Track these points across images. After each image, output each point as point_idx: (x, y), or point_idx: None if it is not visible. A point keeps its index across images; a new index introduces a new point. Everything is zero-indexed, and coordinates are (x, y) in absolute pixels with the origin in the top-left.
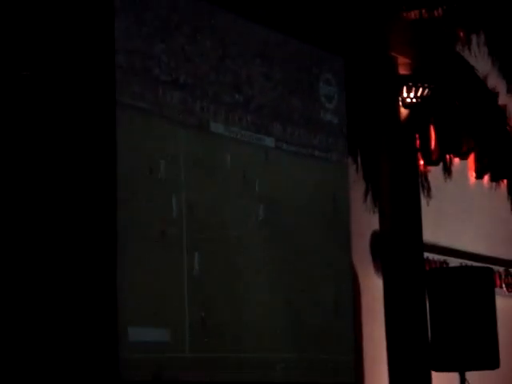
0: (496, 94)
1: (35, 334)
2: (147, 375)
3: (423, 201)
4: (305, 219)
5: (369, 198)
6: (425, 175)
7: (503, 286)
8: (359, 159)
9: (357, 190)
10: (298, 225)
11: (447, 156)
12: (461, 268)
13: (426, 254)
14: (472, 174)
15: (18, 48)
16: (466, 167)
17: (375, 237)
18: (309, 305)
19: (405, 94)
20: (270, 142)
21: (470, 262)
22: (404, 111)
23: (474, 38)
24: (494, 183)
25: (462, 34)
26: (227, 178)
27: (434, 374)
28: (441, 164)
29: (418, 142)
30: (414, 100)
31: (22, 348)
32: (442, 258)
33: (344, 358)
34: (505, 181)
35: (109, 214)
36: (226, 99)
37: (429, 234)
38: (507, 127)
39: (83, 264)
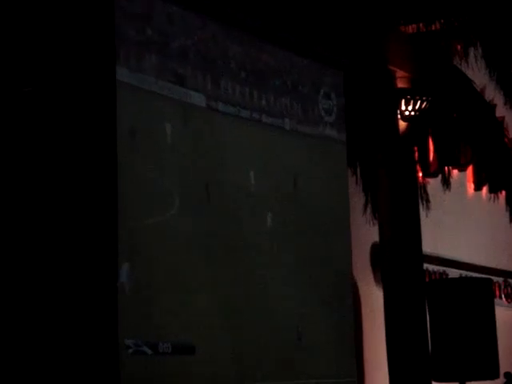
0: (493, 106)
1: (34, 349)
2: None
3: (422, 212)
4: (305, 231)
5: (368, 209)
6: (424, 187)
7: (502, 296)
8: (358, 171)
9: (356, 201)
10: (298, 236)
11: (446, 168)
12: (460, 279)
13: (425, 265)
14: (470, 186)
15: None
16: (464, 179)
17: (375, 248)
18: (309, 317)
19: (403, 107)
20: None
21: (469, 273)
22: (403, 124)
23: (471, 51)
24: (492, 194)
25: (459, 47)
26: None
27: None
28: (439, 176)
29: (416, 154)
30: (413, 113)
31: (23, 358)
32: (441, 268)
33: (345, 367)
34: (503, 192)
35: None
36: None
37: (428, 246)
38: (505, 139)
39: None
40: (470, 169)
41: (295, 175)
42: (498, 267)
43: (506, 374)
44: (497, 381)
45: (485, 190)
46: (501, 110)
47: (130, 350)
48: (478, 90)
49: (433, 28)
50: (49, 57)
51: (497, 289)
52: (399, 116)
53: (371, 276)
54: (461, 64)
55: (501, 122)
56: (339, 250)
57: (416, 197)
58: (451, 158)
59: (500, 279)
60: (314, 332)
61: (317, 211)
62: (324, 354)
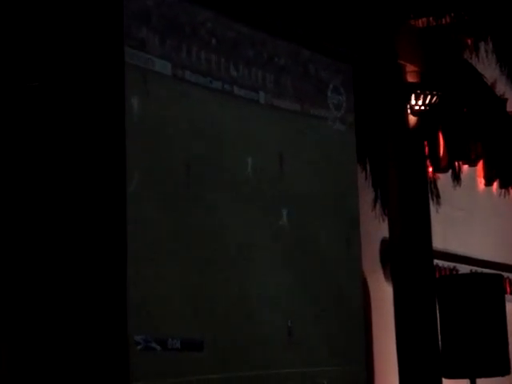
0: (504, 101)
1: (43, 345)
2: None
3: (432, 208)
4: (315, 226)
5: (378, 205)
6: (434, 182)
7: None
8: (368, 167)
9: (366, 197)
10: (308, 231)
11: (456, 163)
12: (471, 275)
13: (435, 261)
14: (481, 181)
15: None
16: (475, 174)
17: (385, 244)
18: (319, 313)
19: (413, 102)
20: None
21: (479, 269)
22: (412, 119)
23: (481, 45)
24: (503, 190)
25: (469, 41)
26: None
27: (445, 381)
28: (450, 171)
29: (426, 149)
30: (423, 107)
31: (32, 355)
32: (451, 264)
33: (355, 366)
34: None
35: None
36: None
37: (438, 241)
38: None
39: (93, 268)
40: (480, 164)
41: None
42: (509, 263)
43: None
44: (507, 377)
45: (495, 185)
46: None
47: (140, 347)
48: (489, 84)
49: (443, 22)
50: (55, 52)
51: (507, 284)
52: (409, 111)
53: (381, 272)
54: (471, 58)
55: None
56: (348, 246)
57: (426, 192)
58: (461, 152)
59: (511, 275)
60: (321, 322)
61: (326, 206)
62: (332, 342)
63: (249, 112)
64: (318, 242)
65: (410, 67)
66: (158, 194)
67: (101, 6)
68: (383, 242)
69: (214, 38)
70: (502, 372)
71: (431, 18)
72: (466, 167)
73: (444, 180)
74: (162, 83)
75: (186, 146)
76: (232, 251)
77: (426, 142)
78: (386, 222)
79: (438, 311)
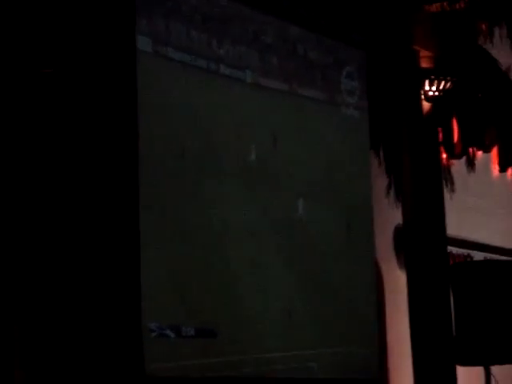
0: None
1: (60, 333)
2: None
3: (446, 194)
4: (329, 212)
5: (391, 192)
6: (448, 169)
7: None
8: (381, 153)
9: (379, 184)
10: (321, 218)
11: (470, 149)
12: (485, 262)
13: (449, 248)
14: (495, 167)
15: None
16: (489, 160)
17: (398, 231)
18: (333, 300)
19: (427, 88)
20: None
21: (494, 256)
22: (426, 105)
23: (496, 30)
24: None
25: (484, 26)
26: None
27: (459, 368)
28: (464, 157)
29: (440, 135)
30: (437, 93)
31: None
32: (465, 251)
33: (369, 353)
34: None
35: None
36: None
37: (452, 228)
38: None
39: (107, 261)
40: (494, 150)
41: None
42: None
43: None
44: None
45: (510, 171)
46: None
47: (154, 334)
48: (503, 69)
49: (457, 7)
50: (68, 39)
51: None
52: (423, 96)
53: (394, 259)
54: (485, 44)
55: None
56: (362, 233)
57: (440, 179)
58: (476, 139)
59: None
60: (338, 315)
61: (340, 192)
62: (348, 337)
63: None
64: (326, 229)
65: (424, 53)
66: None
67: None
68: (397, 229)
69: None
70: None
71: (445, 4)
72: (480, 153)
73: (458, 166)
74: (142, 60)
75: (174, 130)
76: (240, 238)
77: (440, 129)
78: (400, 209)
79: (451, 298)
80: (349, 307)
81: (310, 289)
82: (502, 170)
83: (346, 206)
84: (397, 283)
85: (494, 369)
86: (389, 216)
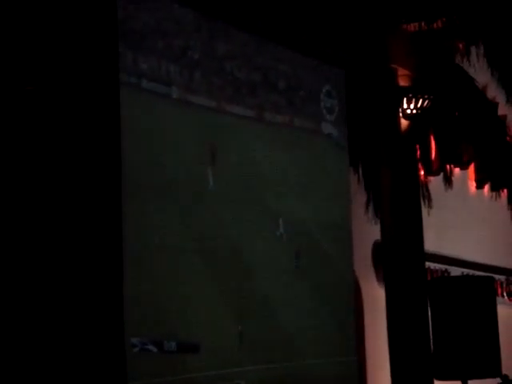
0: (495, 105)
1: (41, 348)
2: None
3: (424, 211)
4: (308, 229)
5: (370, 208)
6: (425, 185)
7: (504, 294)
8: (360, 170)
9: (358, 200)
10: (301, 234)
11: (447, 166)
12: (462, 277)
13: (427, 264)
14: (472, 184)
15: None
16: (466, 177)
17: (377, 247)
18: (311, 314)
19: (405, 106)
20: None
21: (471, 271)
22: (404, 122)
23: (473, 49)
24: (494, 193)
25: (461, 45)
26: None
27: (437, 383)
28: (441, 174)
29: (418, 152)
30: (414, 111)
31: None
32: (443, 267)
33: (347, 366)
34: (505, 190)
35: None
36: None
37: (430, 244)
38: (507, 137)
39: (90, 274)
40: (471, 167)
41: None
42: (500, 265)
43: (504, 377)
44: (498, 379)
45: (486, 188)
46: (503, 109)
47: (136, 349)
48: (480, 88)
49: (434, 26)
50: (51, 55)
51: (499, 287)
52: (401, 114)
53: (373, 274)
54: (462, 62)
55: (503, 120)
56: (341, 249)
57: (418, 195)
58: (453, 156)
59: (502, 277)
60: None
61: (319, 210)
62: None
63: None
64: (308, 243)
65: (401, 71)
66: None
67: (95, 10)
68: (376, 244)
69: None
70: (494, 373)
71: (423, 23)
72: (457, 170)
73: (436, 183)
74: None
75: None
76: (227, 252)
77: (417, 146)
78: (379, 224)
79: (429, 313)
80: (329, 319)
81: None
82: (479, 186)
83: (325, 223)
84: (375, 298)
85: (472, 383)
86: (367, 232)
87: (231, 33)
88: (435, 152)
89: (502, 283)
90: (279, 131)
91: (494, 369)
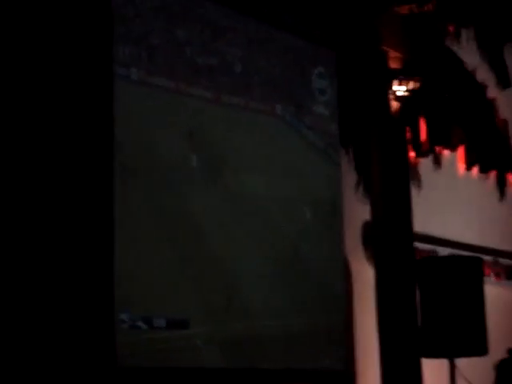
0: (485, 87)
1: (32, 322)
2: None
3: (413, 192)
4: (298, 208)
5: (360, 188)
6: (415, 167)
7: (492, 274)
8: (351, 151)
9: (349, 181)
10: (290, 214)
11: (437, 148)
12: (450, 257)
13: (415, 244)
14: (461, 166)
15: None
16: (455, 159)
17: (367, 227)
18: (300, 294)
19: (395, 87)
20: None
21: (459, 252)
22: (395, 104)
23: (463, 32)
24: (483, 174)
25: (451, 28)
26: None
27: (425, 361)
28: (431, 156)
29: (408, 134)
30: (405, 93)
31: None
32: (431, 247)
33: (335, 347)
34: (494, 172)
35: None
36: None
37: (419, 224)
38: (496, 120)
39: (80, 249)
40: (461, 149)
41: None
42: (488, 246)
43: (510, 351)
44: (486, 357)
45: (475, 169)
46: (492, 91)
47: (125, 325)
48: (470, 70)
49: (425, 9)
50: (44, 57)
51: (486, 267)
52: (391, 96)
53: (363, 254)
54: (453, 45)
55: (492, 102)
56: (332, 228)
57: (408, 176)
58: (442, 138)
59: (489, 258)
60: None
61: (310, 189)
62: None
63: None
64: (296, 230)
65: (392, 53)
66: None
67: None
68: (365, 224)
69: None
70: (480, 352)
71: (414, 6)
72: (446, 152)
73: (425, 164)
74: None
75: None
76: (211, 232)
77: (407, 128)
78: (369, 205)
79: (418, 292)
80: (317, 294)
81: (283, 276)
82: (468, 168)
83: (316, 202)
84: (365, 277)
85: (459, 361)
86: (358, 212)
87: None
88: (425, 134)
89: (489, 263)
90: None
91: (480, 348)
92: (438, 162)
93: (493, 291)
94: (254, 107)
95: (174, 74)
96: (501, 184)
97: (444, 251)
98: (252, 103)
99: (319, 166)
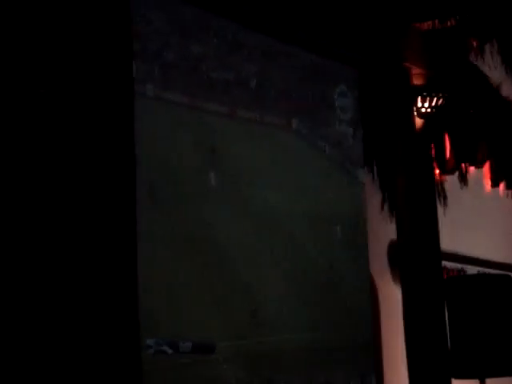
0: (510, 103)
1: (55, 349)
2: None
3: (440, 210)
4: (324, 229)
5: (385, 207)
6: (441, 184)
7: None
8: (375, 169)
9: (373, 199)
10: (314, 234)
11: (462, 165)
12: (479, 275)
13: (443, 263)
14: (488, 182)
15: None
16: (481, 176)
17: (393, 246)
18: (327, 315)
19: (419, 104)
20: None
21: (487, 270)
22: (419, 121)
23: (487, 47)
24: (509, 190)
25: (475, 43)
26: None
27: (455, 382)
28: (456, 173)
29: (433, 151)
30: (429, 110)
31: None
32: (459, 266)
33: (365, 367)
34: None
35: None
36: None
37: (446, 243)
38: None
39: (104, 275)
40: (486, 165)
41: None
42: None
43: None
44: None
45: (502, 186)
46: None
47: (151, 350)
48: (495, 86)
49: (448, 24)
50: (64, 58)
51: None
52: (415, 113)
53: (389, 274)
54: (476, 60)
55: None
56: (358, 249)
57: (433, 194)
58: (468, 154)
59: None
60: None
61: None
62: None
63: None
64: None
65: (415, 70)
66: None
67: (108, 9)
68: (391, 244)
69: None
70: (511, 372)
71: (436, 21)
72: (472, 169)
73: (451, 182)
74: None
75: None
76: (235, 252)
77: (432, 145)
78: (394, 224)
79: (446, 312)
80: (344, 323)
81: (308, 301)
82: (494, 184)
83: (341, 222)
84: (392, 297)
85: (490, 382)
86: (383, 231)
87: (242, 34)
88: (450, 151)
89: None
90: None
91: (511, 367)
92: (463, 179)
93: None
94: (269, 121)
95: (190, 89)
96: None
97: (472, 270)
98: (267, 117)
99: (342, 183)
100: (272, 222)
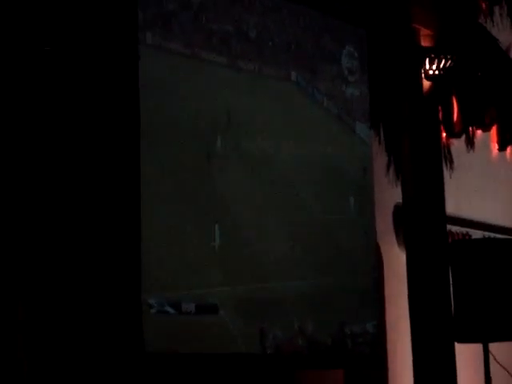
0: None
1: (58, 308)
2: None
3: (446, 173)
4: (330, 189)
5: (391, 170)
6: (447, 147)
7: None
8: (382, 132)
9: (379, 162)
10: (320, 194)
11: (470, 128)
12: (484, 240)
13: (448, 226)
14: (495, 146)
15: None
16: (488, 139)
17: (398, 209)
18: (333, 281)
19: (427, 66)
20: None
21: (492, 234)
22: (426, 83)
23: (496, 9)
24: None
25: (484, 5)
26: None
27: (458, 346)
28: (463, 136)
29: (440, 114)
30: (437, 72)
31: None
32: (464, 230)
33: (368, 330)
34: None
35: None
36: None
37: (451, 207)
38: None
39: (107, 234)
40: (494, 129)
41: None
42: None
43: None
44: None
45: (509, 150)
46: None
47: (153, 310)
48: (503, 48)
49: None
50: (66, 16)
51: None
52: (423, 75)
53: (394, 236)
54: (486, 22)
55: None
56: (363, 211)
57: (440, 157)
58: (475, 118)
59: None
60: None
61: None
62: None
63: None
64: (324, 209)
65: (424, 31)
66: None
67: None
68: (396, 207)
69: None
70: None
71: None
72: (479, 132)
73: (458, 145)
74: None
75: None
76: (243, 213)
77: (440, 107)
78: (400, 187)
79: (450, 276)
80: (349, 281)
81: (312, 264)
82: (502, 148)
83: (347, 183)
84: (396, 261)
85: (492, 346)
86: (388, 194)
87: None
88: (457, 114)
89: None
90: None
91: None
92: (470, 142)
93: None
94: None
95: (189, 39)
96: None
97: (477, 234)
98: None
99: (344, 138)
100: (272, 171)
